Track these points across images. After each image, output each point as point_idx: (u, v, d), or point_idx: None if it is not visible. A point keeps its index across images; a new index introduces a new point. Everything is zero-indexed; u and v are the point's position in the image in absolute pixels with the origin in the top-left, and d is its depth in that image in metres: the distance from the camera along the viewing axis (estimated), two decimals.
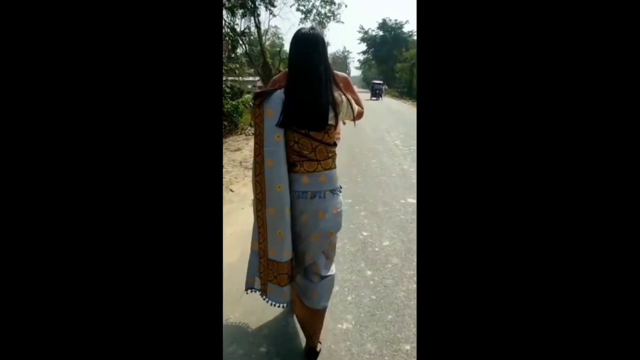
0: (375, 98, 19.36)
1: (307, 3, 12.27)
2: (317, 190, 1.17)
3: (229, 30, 7.92)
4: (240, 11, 9.32)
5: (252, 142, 2.52)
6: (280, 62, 11.66)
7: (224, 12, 7.67)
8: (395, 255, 2.18)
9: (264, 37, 11.25)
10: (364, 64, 43.38)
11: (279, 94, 1.12)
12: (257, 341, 1.47)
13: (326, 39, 1.17)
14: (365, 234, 2.49)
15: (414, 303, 1.70)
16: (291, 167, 1.15)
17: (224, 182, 3.63)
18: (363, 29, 37.44)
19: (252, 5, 9.82)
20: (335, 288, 1.72)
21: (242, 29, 9.74)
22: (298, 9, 12.31)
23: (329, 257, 1.31)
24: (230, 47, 7.48)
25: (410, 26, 35.02)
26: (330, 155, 1.18)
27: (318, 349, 1.37)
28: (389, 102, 18.03)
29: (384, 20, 36.07)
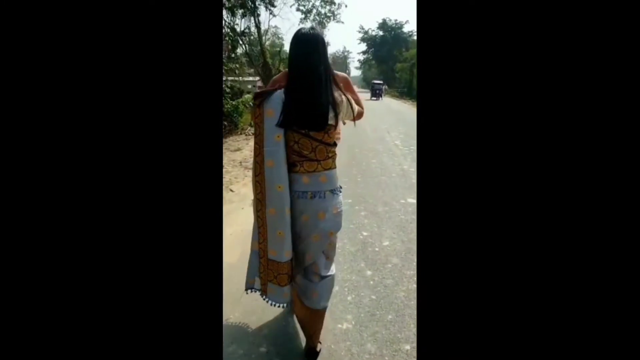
0: (375, 98, 19.36)
1: (307, 3, 12.28)
2: (317, 190, 1.17)
3: (229, 30, 7.92)
4: (240, 11, 9.32)
5: (252, 142, 2.52)
6: (280, 62, 11.66)
7: (224, 12, 7.67)
8: (395, 255, 2.18)
9: (264, 37, 11.26)
10: (364, 64, 43.39)
11: (279, 94, 1.12)
12: (257, 341, 1.47)
13: (326, 39, 1.17)
14: (365, 234, 2.49)
15: (414, 303, 1.70)
16: (291, 167, 1.15)
17: (224, 182, 3.63)
18: (363, 29, 37.48)
19: (252, 5, 9.82)
20: (335, 288, 1.72)
21: (242, 29, 9.75)
22: (298, 9, 12.33)
23: (329, 257, 1.31)
24: (230, 47, 7.48)
25: (410, 26, 35.09)
26: (330, 155, 1.18)
27: (318, 349, 1.37)
28: (389, 102, 18.03)
29: (384, 20, 36.10)
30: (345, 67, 44.40)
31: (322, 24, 12.58)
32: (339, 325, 1.56)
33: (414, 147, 5.20)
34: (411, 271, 1.99)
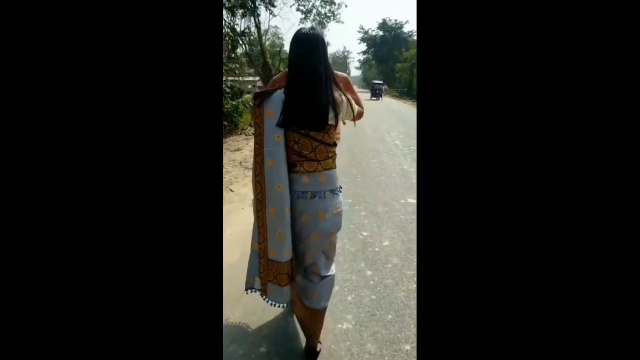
0: (375, 98, 19.36)
1: (307, 3, 12.28)
2: (317, 190, 1.17)
3: (229, 30, 7.92)
4: (240, 11, 9.32)
5: (252, 142, 2.52)
6: (280, 62, 11.66)
7: (224, 12, 7.67)
8: (395, 255, 2.18)
9: (264, 37, 11.26)
10: (364, 64, 43.38)
11: (279, 94, 1.12)
12: (257, 341, 1.47)
13: (326, 39, 1.17)
14: (365, 234, 2.49)
15: (414, 303, 1.70)
16: (291, 167, 1.15)
17: (224, 182, 3.63)
18: (363, 29, 37.47)
19: (252, 5, 9.82)
20: (335, 288, 1.72)
21: (242, 29, 9.74)
22: (298, 9, 12.33)
23: (329, 257, 1.31)
24: (230, 47, 7.48)
25: (410, 26, 35.09)
26: (330, 155, 1.18)
27: (318, 349, 1.37)
28: (389, 102, 18.03)
29: (384, 20, 36.09)
30: (345, 67, 44.41)
31: (322, 24, 12.58)
32: (339, 325, 1.56)
33: (414, 147, 5.20)
34: (411, 271, 1.99)
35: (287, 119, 1.09)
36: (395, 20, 45.29)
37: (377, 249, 2.26)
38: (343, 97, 1.15)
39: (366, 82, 42.02)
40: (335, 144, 1.20)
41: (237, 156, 4.98)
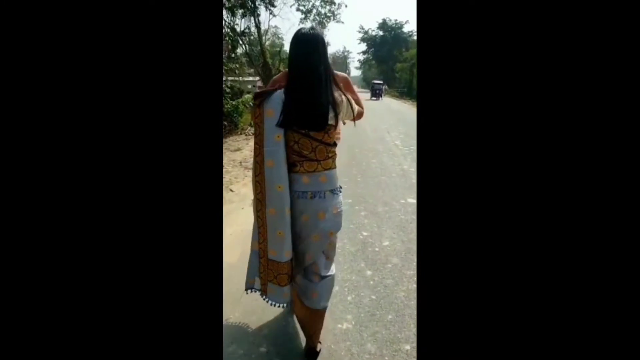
0: (375, 98, 19.36)
1: (307, 3, 12.28)
2: (317, 190, 1.17)
3: (229, 30, 7.92)
4: (240, 11, 9.32)
5: (252, 142, 2.52)
6: (280, 62, 11.66)
7: (224, 12, 7.67)
8: (395, 255, 2.18)
9: (264, 37, 11.26)
10: (364, 64, 43.38)
11: (279, 94, 1.12)
12: (257, 341, 1.47)
13: (326, 39, 1.17)
14: (365, 234, 2.49)
15: (414, 303, 1.70)
16: (291, 167, 1.15)
17: (224, 182, 3.63)
18: (363, 29, 37.47)
19: (252, 5, 9.82)
20: (335, 288, 1.72)
21: (242, 29, 9.74)
22: (298, 9, 12.33)
23: (329, 257, 1.31)
24: (230, 47, 7.48)
25: (410, 26, 35.09)
26: (330, 155, 1.18)
27: (318, 349, 1.37)
28: (389, 102, 18.03)
29: (384, 20, 36.09)
30: (345, 67, 44.41)
31: (322, 24, 12.58)
32: (339, 325, 1.56)
33: (414, 147, 5.20)
34: (411, 271, 1.99)
35: (287, 119, 1.09)
36: (395, 20, 45.34)
37: (377, 249, 2.26)
38: (343, 97, 1.15)
39: (366, 82, 42.02)
40: (335, 144, 1.20)
41: (237, 156, 4.98)
